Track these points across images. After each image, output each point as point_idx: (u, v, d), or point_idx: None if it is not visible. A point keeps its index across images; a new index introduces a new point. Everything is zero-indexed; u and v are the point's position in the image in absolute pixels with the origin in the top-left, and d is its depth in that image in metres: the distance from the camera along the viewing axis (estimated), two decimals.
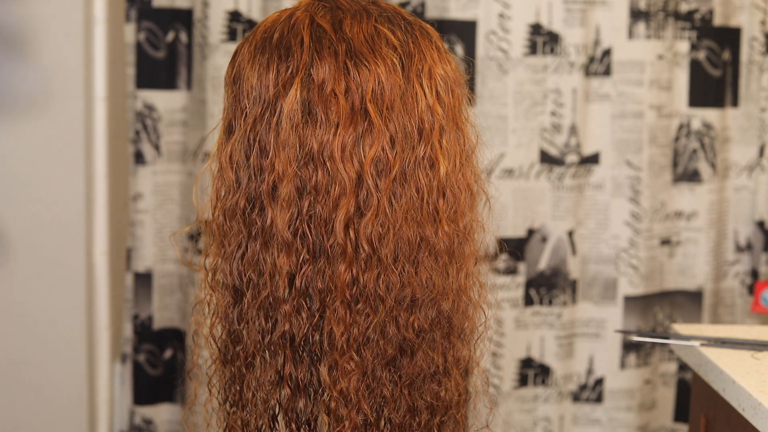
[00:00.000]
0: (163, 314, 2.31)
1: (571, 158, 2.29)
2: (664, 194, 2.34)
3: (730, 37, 2.34)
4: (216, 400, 1.12)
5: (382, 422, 1.05)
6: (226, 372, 1.10)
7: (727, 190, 2.39)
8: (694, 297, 2.39)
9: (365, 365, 1.02)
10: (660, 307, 2.38)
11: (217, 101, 2.17)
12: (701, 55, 2.32)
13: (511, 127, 2.26)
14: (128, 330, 2.29)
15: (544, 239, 2.31)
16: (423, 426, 1.06)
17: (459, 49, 2.22)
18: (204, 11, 2.19)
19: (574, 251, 2.32)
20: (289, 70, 1.01)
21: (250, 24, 2.19)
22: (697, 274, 2.38)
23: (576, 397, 2.38)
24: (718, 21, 2.32)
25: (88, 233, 2.21)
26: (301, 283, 1.02)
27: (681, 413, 2.40)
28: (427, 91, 1.02)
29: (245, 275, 1.05)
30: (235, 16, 2.19)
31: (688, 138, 2.34)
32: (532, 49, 2.24)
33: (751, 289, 2.40)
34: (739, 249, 2.41)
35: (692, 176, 2.35)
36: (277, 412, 1.07)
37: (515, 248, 2.30)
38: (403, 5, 2.20)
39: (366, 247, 1.00)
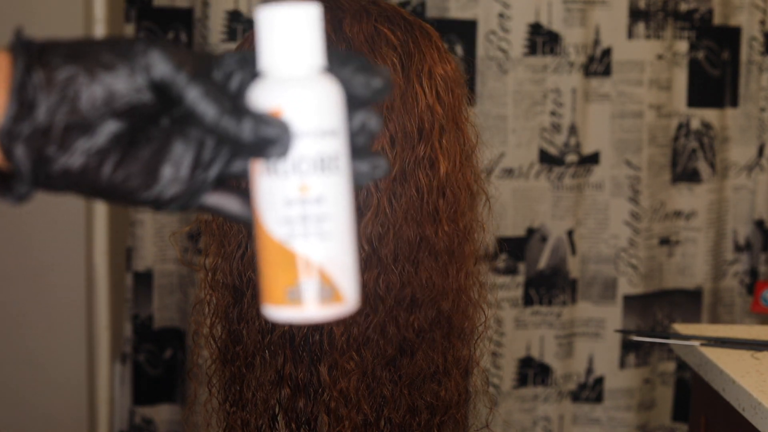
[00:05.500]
0: (163, 314, 2.31)
1: (571, 158, 2.29)
2: (663, 194, 2.34)
3: (729, 37, 2.34)
4: (216, 399, 1.12)
5: (382, 422, 1.05)
6: (226, 372, 1.10)
7: (726, 189, 2.39)
8: (694, 296, 2.39)
9: (365, 365, 1.02)
10: (659, 307, 2.38)
11: None
12: (701, 54, 2.32)
13: (511, 126, 2.26)
14: (128, 330, 2.29)
15: (543, 239, 2.31)
16: (423, 426, 1.06)
17: (459, 49, 2.22)
18: (204, 11, 2.19)
19: (573, 251, 2.33)
20: None
21: (250, 24, 2.19)
22: (696, 273, 2.38)
23: (576, 397, 2.38)
24: (717, 21, 2.32)
25: (88, 233, 2.21)
26: None
27: (680, 412, 2.41)
28: (427, 90, 1.02)
29: (245, 275, 1.05)
30: (235, 16, 2.19)
31: (688, 138, 2.34)
32: (532, 48, 2.24)
33: (750, 289, 2.40)
34: (738, 248, 2.41)
35: (691, 176, 2.36)
36: (277, 412, 1.07)
37: (515, 248, 2.30)
38: (403, 5, 2.20)
39: (366, 246, 1.00)
